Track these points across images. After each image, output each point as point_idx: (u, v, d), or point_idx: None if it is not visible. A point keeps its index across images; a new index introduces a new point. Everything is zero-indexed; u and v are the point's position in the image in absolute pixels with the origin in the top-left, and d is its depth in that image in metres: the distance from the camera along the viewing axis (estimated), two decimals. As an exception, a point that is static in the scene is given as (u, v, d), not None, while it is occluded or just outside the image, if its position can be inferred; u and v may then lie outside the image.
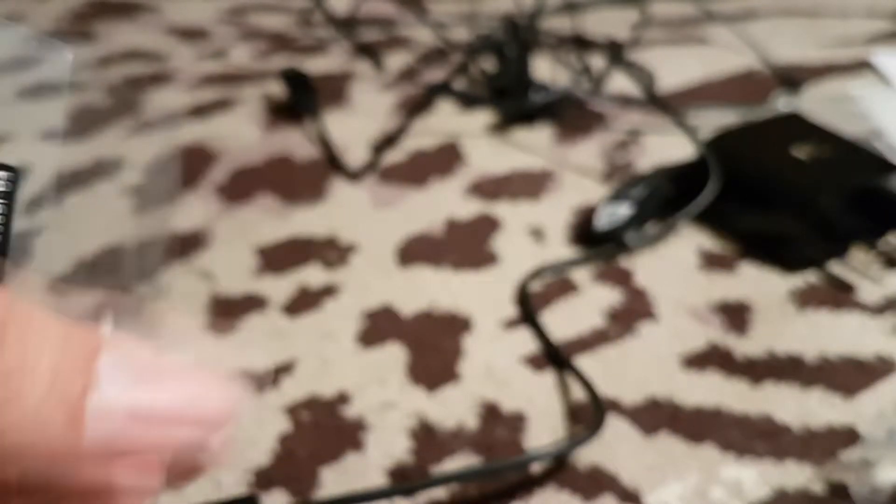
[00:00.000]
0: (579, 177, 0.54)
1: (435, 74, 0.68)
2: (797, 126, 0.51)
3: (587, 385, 0.38)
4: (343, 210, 0.53)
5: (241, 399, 0.20)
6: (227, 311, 0.45)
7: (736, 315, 0.43)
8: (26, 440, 0.16)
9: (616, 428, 0.37)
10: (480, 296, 0.45)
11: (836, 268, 0.45)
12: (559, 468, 0.36)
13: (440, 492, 0.35)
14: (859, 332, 0.42)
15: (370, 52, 0.72)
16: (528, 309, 0.44)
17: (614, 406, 0.38)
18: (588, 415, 0.38)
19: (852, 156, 0.48)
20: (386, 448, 0.37)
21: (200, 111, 0.64)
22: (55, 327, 0.18)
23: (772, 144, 0.49)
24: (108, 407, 0.17)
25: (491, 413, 0.38)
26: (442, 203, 0.53)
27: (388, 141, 0.58)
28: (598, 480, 0.35)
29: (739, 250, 0.47)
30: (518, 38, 0.61)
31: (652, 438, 0.37)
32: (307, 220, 0.52)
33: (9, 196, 0.19)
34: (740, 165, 0.49)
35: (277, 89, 0.66)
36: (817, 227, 0.45)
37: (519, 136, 0.59)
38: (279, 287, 0.46)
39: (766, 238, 0.47)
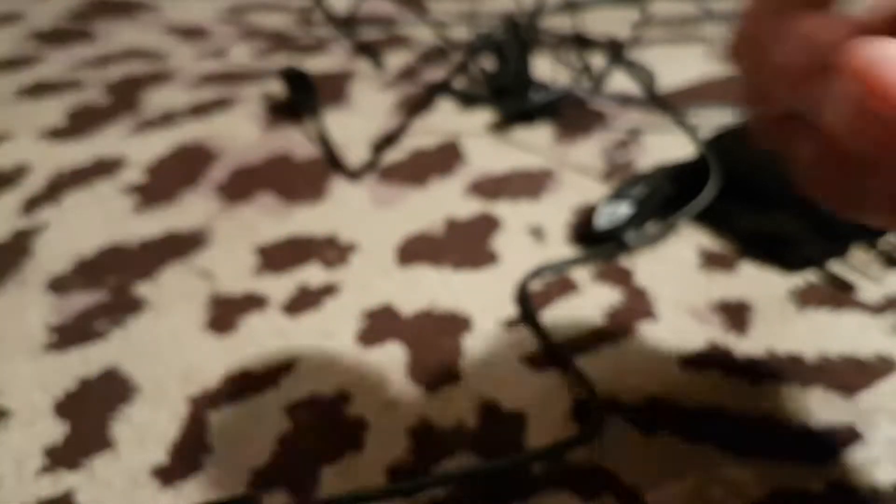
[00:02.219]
0: (579, 176, 0.54)
1: (435, 74, 0.68)
2: (797, 125, 0.51)
3: (587, 385, 0.38)
4: (343, 209, 0.53)
5: None
6: (227, 310, 0.45)
7: (736, 315, 0.43)
8: None
9: (616, 428, 0.37)
10: (480, 295, 0.45)
11: (836, 268, 0.45)
12: (559, 468, 0.36)
13: (440, 492, 0.35)
14: (859, 332, 0.42)
15: (370, 51, 0.72)
16: (528, 308, 0.44)
17: (614, 406, 0.38)
18: (588, 415, 0.38)
19: (852, 155, 0.48)
20: (386, 448, 0.37)
21: (200, 110, 0.64)
22: None
23: (772, 144, 0.49)
24: None
25: (491, 413, 0.38)
26: (442, 202, 0.53)
27: (388, 140, 0.58)
28: (598, 480, 0.35)
29: (739, 250, 0.47)
30: (518, 38, 0.61)
31: (652, 438, 0.37)
32: (307, 220, 0.52)
33: None
34: (740, 165, 0.49)
35: (277, 89, 0.66)
36: (817, 226, 0.45)
37: (519, 135, 0.59)
38: (279, 286, 0.46)
39: (766, 238, 0.47)
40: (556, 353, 0.41)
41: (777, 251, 0.46)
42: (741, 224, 0.48)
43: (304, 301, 0.45)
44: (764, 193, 0.47)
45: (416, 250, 0.49)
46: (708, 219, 0.48)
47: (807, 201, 0.46)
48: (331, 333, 0.43)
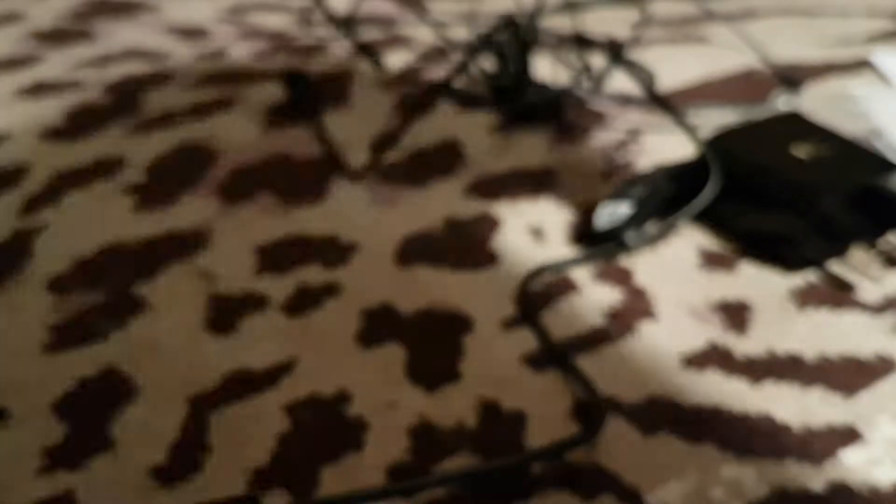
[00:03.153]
0: (579, 176, 0.54)
1: (435, 74, 0.68)
2: (797, 125, 0.51)
3: (587, 385, 0.38)
4: (343, 210, 0.53)
5: None
6: (227, 310, 0.45)
7: (736, 314, 0.43)
8: None
9: (616, 428, 0.37)
10: (480, 295, 0.45)
11: (836, 267, 0.45)
12: (559, 468, 0.35)
13: (440, 492, 0.35)
14: (859, 332, 0.42)
15: (370, 51, 0.72)
16: (528, 308, 0.44)
17: (614, 406, 0.38)
18: (588, 415, 0.38)
19: (852, 155, 0.48)
20: (386, 448, 0.37)
21: (200, 110, 0.64)
22: None
23: (772, 144, 0.49)
24: None
25: (491, 413, 0.38)
26: (442, 202, 0.53)
27: (388, 140, 0.58)
28: (598, 480, 0.35)
29: (739, 250, 0.47)
30: (518, 38, 0.61)
31: (652, 438, 0.37)
32: (307, 220, 0.52)
33: None
34: (740, 165, 0.49)
35: (277, 89, 0.66)
36: (817, 226, 0.45)
37: (519, 135, 0.59)
38: (279, 286, 0.46)
39: (765, 238, 0.47)
40: (556, 353, 0.41)
41: (777, 251, 0.46)
42: (741, 224, 0.48)
43: (304, 301, 0.45)
44: (764, 193, 0.47)
45: (416, 250, 0.49)
46: (708, 219, 0.48)
47: (807, 201, 0.46)
48: (331, 333, 0.43)
